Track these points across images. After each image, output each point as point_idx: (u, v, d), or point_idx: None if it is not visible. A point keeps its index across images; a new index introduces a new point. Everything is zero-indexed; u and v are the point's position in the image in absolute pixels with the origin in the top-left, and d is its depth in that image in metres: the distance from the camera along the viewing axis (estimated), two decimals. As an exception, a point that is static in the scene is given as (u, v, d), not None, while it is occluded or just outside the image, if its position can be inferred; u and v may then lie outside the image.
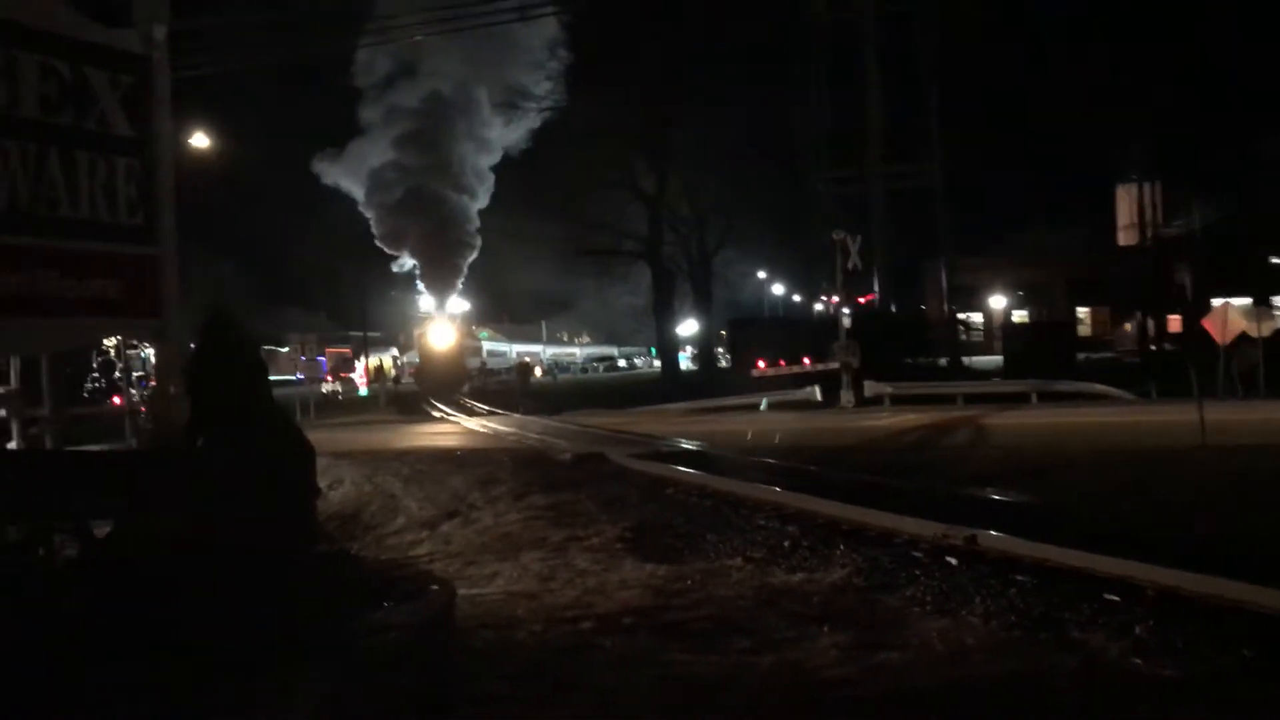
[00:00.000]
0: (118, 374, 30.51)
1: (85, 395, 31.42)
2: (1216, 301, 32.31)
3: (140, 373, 31.47)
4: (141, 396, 25.94)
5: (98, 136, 7.94)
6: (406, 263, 54.45)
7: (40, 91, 7.60)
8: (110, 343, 29.86)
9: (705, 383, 44.05)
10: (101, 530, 6.51)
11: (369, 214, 53.43)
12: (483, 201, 54.38)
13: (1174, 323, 52.34)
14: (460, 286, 54.13)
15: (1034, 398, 27.48)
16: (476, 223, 53.87)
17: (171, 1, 8.52)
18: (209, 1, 28.00)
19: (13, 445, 17.09)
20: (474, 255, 54.26)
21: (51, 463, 8.62)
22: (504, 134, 54.16)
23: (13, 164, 7.36)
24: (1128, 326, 59.44)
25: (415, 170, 51.65)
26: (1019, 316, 62.42)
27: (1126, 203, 60.80)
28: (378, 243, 53.63)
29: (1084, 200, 65.46)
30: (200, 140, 29.04)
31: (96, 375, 33.51)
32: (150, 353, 30.26)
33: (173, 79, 8.60)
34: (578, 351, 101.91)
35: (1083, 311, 64.01)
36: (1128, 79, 46.42)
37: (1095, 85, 45.61)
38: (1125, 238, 62.59)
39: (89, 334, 11.12)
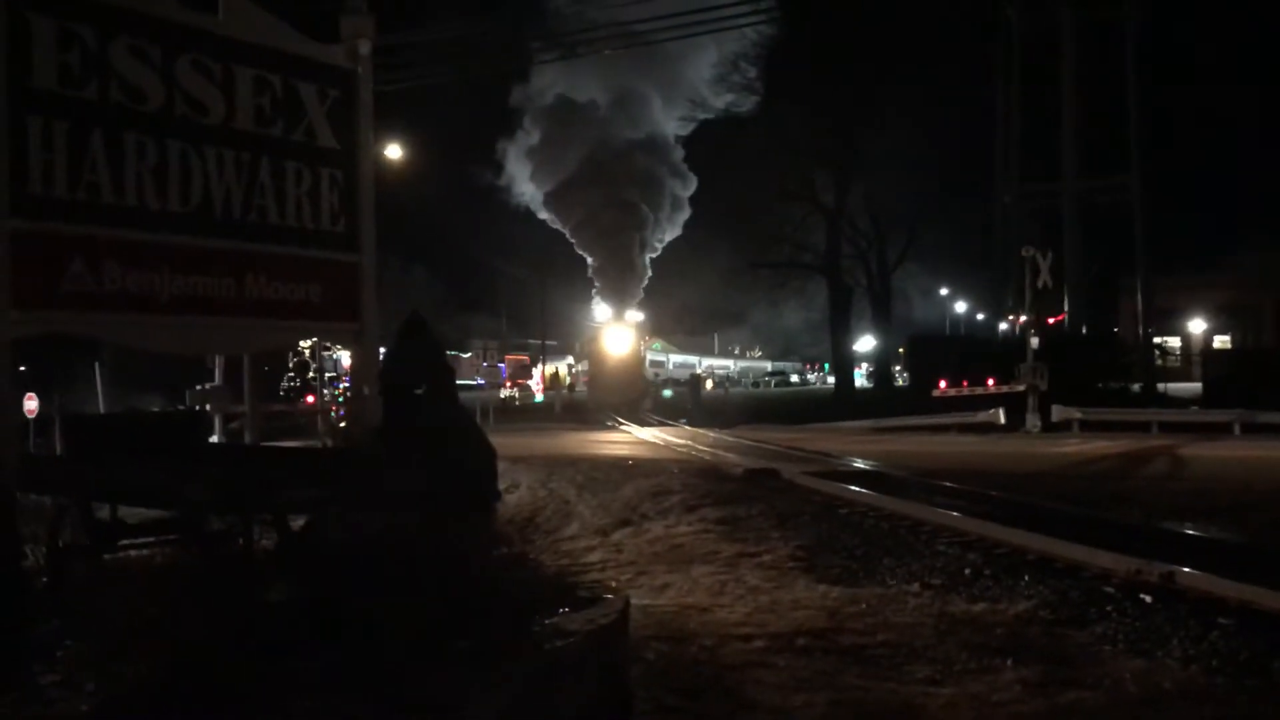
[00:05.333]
0: (311, 374, 31.99)
1: (281, 394, 33.07)
2: None
3: (332, 374, 32.95)
4: (333, 396, 27.21)
5: (305, 147, 8.35)
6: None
7: (254, 103, 8.05)
8: (305, 344, 31.39)
9: (882, 401, 43.16)
10: (296, 523, 6.81)
11: (555, 213, 52.96)
12: (675, 216, 53.86)
13: (1400, 353, 48.44)
14: (639, 294, 53.96)
15: (1237, 429, 25.82)
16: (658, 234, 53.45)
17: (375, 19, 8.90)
18: (409, 17, 29.18)
19: (214, 439, 18.11)
20: (648, 272, 53.81)
21: (255, 457, 9.06)
22: (680, 144, 53.81)
23: (228, 173, 7.82)
24: (1345, 356, 55.36)
25: (598, 178, 51.35)
26: (1221, 342, 58.88)
27: (1346, 222, 56.71)
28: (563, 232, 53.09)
29: (1297, 219, 61.41)
30: (394, 151, 30.26)
31: (292, 375, 35.20)
32: (343, 354, 31.65)
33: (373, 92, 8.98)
34: (731, 364, 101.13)
35: (1293, 338, 59.87)
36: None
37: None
38: (1344, 260, 58.40)
39: (292, 335, 11.70)
